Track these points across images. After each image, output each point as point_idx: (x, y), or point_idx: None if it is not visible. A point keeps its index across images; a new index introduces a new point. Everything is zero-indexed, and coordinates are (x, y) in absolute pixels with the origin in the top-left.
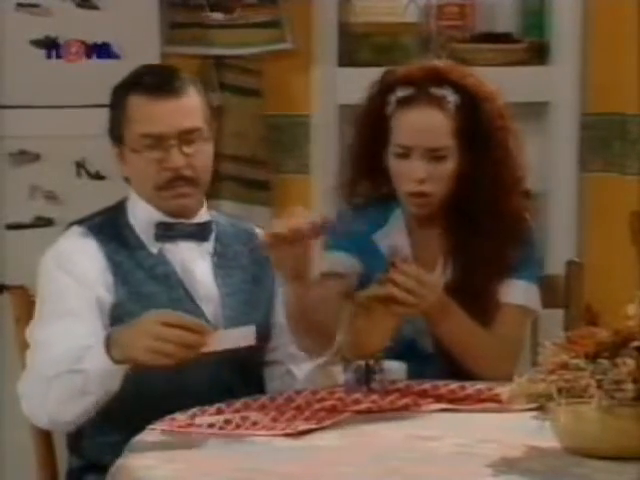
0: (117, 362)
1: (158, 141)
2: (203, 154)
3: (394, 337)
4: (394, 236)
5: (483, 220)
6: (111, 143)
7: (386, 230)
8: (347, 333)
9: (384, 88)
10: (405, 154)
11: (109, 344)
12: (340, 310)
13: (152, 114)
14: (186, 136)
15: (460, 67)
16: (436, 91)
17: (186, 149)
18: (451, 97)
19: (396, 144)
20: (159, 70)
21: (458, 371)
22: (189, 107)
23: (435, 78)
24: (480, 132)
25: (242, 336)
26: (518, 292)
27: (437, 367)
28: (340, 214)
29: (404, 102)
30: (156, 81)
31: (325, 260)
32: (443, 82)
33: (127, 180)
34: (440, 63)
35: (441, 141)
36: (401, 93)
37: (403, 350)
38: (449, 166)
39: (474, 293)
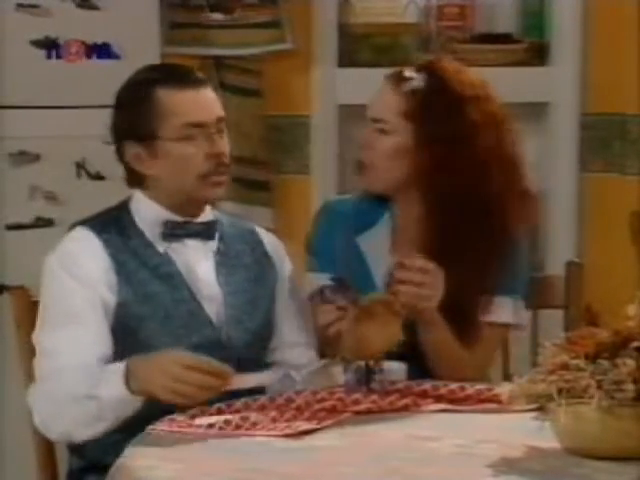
0: (134, 393)
1: (199, 129)
2: (228, 144)
3: (395, 342)
4: (379, 240)
5: (469, 232)
6: (130, 143)
7: (372, 233)
8: (349, 337)
9: None
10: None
11: (127, 374)
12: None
13: (190, 103)
14: (219, 124)
15: (457, 65)
16: (404, 71)
17: (221, 137)
18: (416, 80)
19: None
20: (173, 65)
21: (431, 374)
22: (214, 97)
23: (424, 65)
24: (455, 131)
25: (259, 378)
26: (504, 310)
27: (412, 378)
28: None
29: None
30: (180, 73)
31: (310, 281)
32: (426, 69)
33: (142, 178)
34: (447, 59)
35: (382, 114)
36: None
37: None
38: (390, 142)
39: (459, 306)
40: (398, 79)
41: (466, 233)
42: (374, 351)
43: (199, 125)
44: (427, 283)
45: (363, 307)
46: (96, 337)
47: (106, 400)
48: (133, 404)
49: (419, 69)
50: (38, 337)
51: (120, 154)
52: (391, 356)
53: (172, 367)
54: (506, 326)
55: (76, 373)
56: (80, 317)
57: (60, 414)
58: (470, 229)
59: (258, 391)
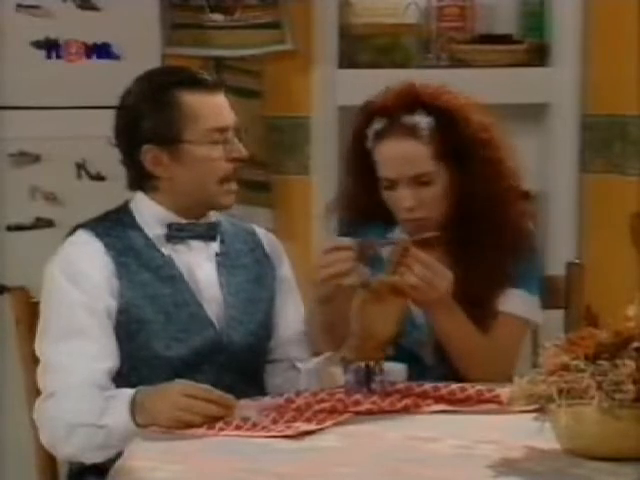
0: (139, 426)
1: (222, 134)
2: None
3: (401, 325)
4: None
5: (482, 233)
6: (150, 146)
7: None
8: (357, 320)
9: (364, 120)
10: (391, 186)
11: (133, 406)
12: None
13: (214, 108)
14: (236, 129)
15: (435, 86)
16: (408, 119)
17: (239, 140)
18: (424, 123)
19: (381, 177)
20: (187, 68)
21: (458, 383)
22: (227, 101)
23: (409, 104)
24: (464, 149)
25: (262, 407)
26: (518, 303)
27: (436, 378)
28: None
29: (379, 135)
30: (199, 77)
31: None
32: (417, 107)
33: (151, 180)
34: (416, 84)
35: (422, 167)
36: (377, 126)
37: (403, 361)
38: (436, 190)
39: (474, 303)
40: (410, 129)
41: (478, 226)
42: (380, 334)
43: (222, 129)
44: (430, 280)
45: (372, 290)
46: (102, 351)
47: (113, 429)
48: (139, 433)
49: (414, 109)
50: (42, 349)
51: (132, 156)
52: (418, 364)
53: (178, 398)
54: (523, 321)
55: (82, 392)
56: (85, 331)
57: (67, 439)
58: (482, 223)
59: (259, 391)
